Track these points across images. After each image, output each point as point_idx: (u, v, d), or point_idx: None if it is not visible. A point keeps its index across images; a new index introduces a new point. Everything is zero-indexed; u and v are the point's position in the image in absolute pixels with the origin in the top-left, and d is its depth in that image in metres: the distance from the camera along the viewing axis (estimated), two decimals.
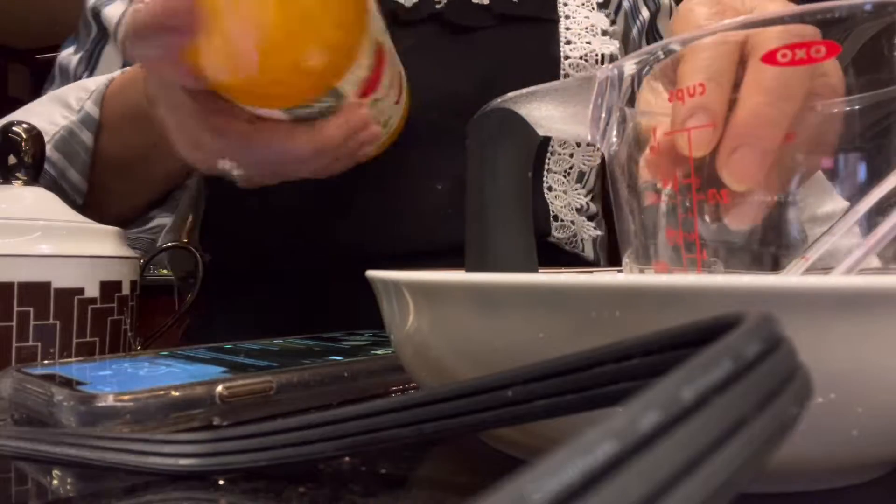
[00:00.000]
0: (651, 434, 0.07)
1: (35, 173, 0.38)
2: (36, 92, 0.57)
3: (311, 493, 0.18)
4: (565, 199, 0.55)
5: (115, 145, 0.48)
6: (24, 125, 0.38)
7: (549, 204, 0.54)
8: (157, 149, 0.46)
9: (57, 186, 0.47)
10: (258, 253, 0.54)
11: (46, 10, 3.46)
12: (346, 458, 0.21)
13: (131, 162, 0.48)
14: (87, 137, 0.47)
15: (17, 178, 0.37)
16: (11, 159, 0.37)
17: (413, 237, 0.50)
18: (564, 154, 0.54)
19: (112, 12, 0.56)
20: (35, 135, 0.38)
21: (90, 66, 0.57)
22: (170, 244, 0.46)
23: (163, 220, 0.57)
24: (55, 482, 0.20)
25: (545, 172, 0.54)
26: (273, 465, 0.18)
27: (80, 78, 0.57)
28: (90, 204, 0.49)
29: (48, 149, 0.46)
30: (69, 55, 0.58)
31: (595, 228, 0.57)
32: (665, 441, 0.07)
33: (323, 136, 0.36)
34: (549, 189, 0.54)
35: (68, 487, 0.20)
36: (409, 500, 0.18)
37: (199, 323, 0.60)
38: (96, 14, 0.57)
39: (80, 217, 0.38)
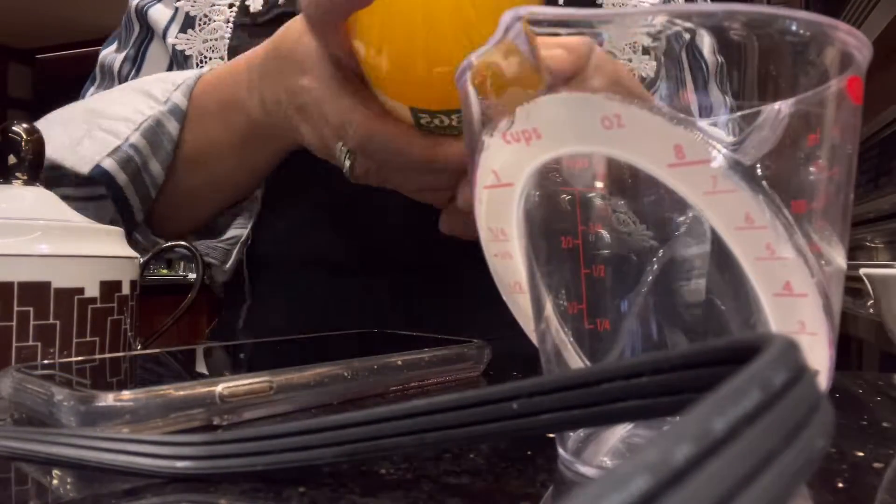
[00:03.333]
0: (684, 468, 0.07)
1: (35, 173, 0.38)
2: (36, 92, 0.58)
3: (311, 493, 0.18)
4: None
5: (196, 139, 0.47)
6: (24, 125, 0.38)
7: None
8: (236, 147, 0.46)
9: (138, 177, 0.46)
10: (300, 251, 0.53)
11: (47, 10, 3.46)
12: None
13: (207, 157, 0.48)
14: (173, 128, 0.46)
15: (17, 178, 0.37)
16: (11, 159, 0.37)
17: (463, 248, 0.50)
18: (623, 59, 0.51)
19: (158, 14, 0.56)
20: (35, 135, 0.38)
21: (136, 65, 0.57)
22: (170, 244, 0.46)
23: (237, 231, 0.56)
24: (55, 482, 0.20)
25: None
26: (270, 469, 0.18)
27: (126, 78, 0.57)
28: (161, 204, 0.48)
29: (136, 136, 0.45)
30: (112, 53, 0.58)
31: None
32: (698, 475, 0.07)
33: (441, 152, 0.35)
34: None
35: (67, 488, 0.20)
36: (409, 500, 0.18)
37: (226, 319, 0.60)
38: (141, 14, 0.57)
39: (80, 217, 0.38)
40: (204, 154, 0.48)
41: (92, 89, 0.59)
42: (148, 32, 0.57)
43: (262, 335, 0.41)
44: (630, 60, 0.51)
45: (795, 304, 0.18)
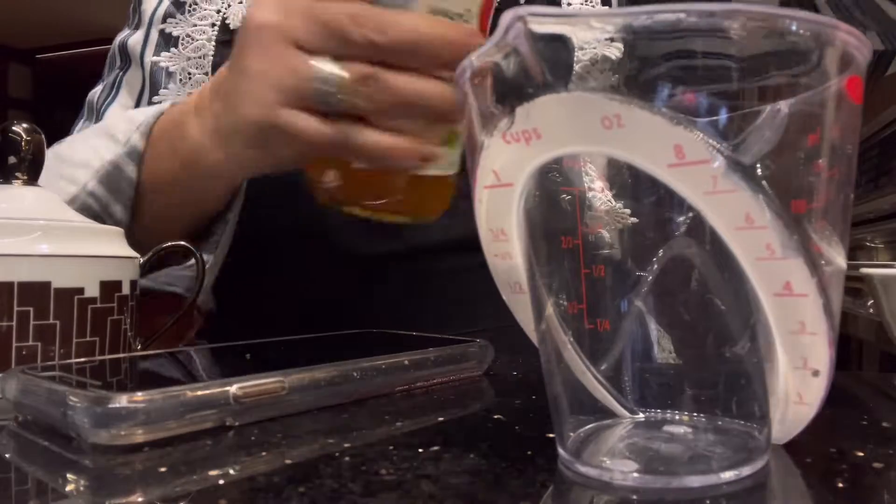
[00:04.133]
0: None
1: (35, 173, 0.38)
2: (36, 92, 0.58)
3: (310, 493, 0.18)
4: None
5: (150, 172, 0.47)
6: (24, 125, 0.38)
7: None
8: (186, 171, 0.45)
9: (100, 221, 0.46)
10: (278, 251, 0.54)
11: (47, 10, 3.46)
12: (347, 458, 0.21)
13: (161, 188, 0.47)
14: (131, 171, 0.46)
15: (17, 178, 0.37)
16: (11, 159, 0.37)
17: (430, 234, 0.50)
18: (589, 49, 0.50)
19: (134, 42, 0.58)
20: (35, 135, 0.38)
21: (112, 92, 0.59)
22: (169, 244, 0.46)
23: (205, 257, 0.56)
24: (55, 483, 0.20)
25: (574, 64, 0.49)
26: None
27: (101, 106, 0.58)
28: (132, 239, 0.48)
29: (93, 183, 0.46)
30: (95, 92, 0.60)
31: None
32: None
33: (460, 30, 0.33)
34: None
35: (68, 489, 0.20)
36: (408, 500, 0.18)
37: (215, 321, 0.60)
38: (122, 48, 0.59)
39: (80, 217, 0.38)
40: (157, 185, 0.47)
41: (80, 124, 0.60)
42: (126, 62, 0.59)
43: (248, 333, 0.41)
44: (595, 48, 0.51)
45: (795, 304, 0.18)
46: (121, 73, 0.59)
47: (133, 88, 0.58)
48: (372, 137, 0.34)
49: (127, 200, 0.47)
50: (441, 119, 0.35)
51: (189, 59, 0.55)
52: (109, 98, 0.59)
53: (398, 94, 0.33)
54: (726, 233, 0.18)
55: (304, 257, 0.53)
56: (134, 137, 0.46)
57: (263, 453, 0.22)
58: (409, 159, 0.35)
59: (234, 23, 0.54)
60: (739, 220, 0.18)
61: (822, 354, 0.19)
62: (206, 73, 0.55)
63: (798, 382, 0.20)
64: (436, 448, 0.22)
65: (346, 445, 0.23)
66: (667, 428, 0.23)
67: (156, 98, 0.56)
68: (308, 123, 0.34)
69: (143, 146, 0.46)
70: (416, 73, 0.33)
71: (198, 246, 0.54)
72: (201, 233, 0.52)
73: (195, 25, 0.55)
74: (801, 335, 0.19)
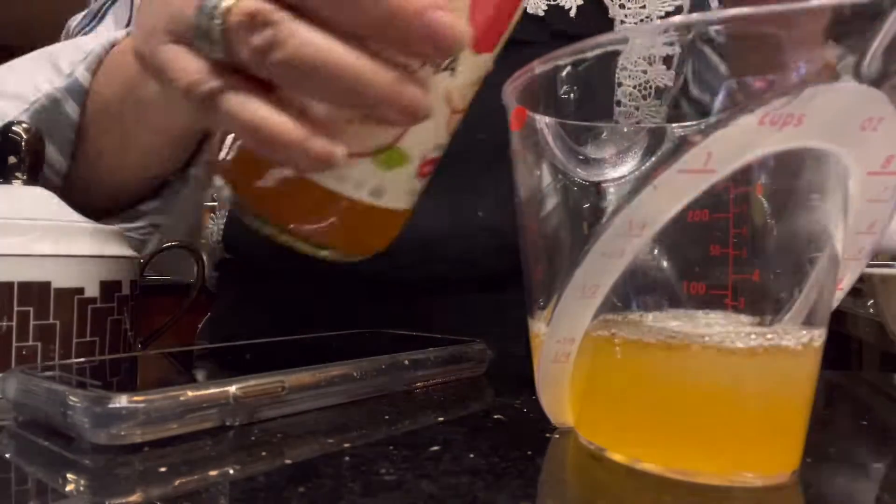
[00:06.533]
0: None
1: (35, 173, 0.38)
2: None
3: (310, 493, 0.18)
4: (636, 117, 0.49)
5: (92, 104, 0.41)
6: (24, 125, 0.38)
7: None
8: (122, 101, 0.39)
9: None
10: (280, 253, 0.53)
11: (47, 10, 3.46)
12: (346, 458, 0.21)
13: (103, 122, 0.41)
14: (71, 109, 0.39)
15: (17, 178, 0.37)
16: (11, 159, 0.37)
17: (450, 265, 0.48)
18: (637, 70, 0.49)
19: None
20: (35, 134, 0.38)
21: (93, 22, 0.51)
22: (170, 244, 0.46)
23: (156, 219, 0.50)
24: (55, 484, 0.20)
25: (615, 86, 0.49)
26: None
27: (77, 34, 0.51)
28: (72, 187, 0.42)
29: (24, 118, 0.39)
30: (75, 18, 0.53)
31: None
32: None
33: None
34: (618, 103, 0.48)
35: (68, 490, 0.20)
36: (408, 500, 0.18)
37: (216, 319, 0.60)
38: None
39: (79, 217, 0.38)
40: (99, 122, 0.41)
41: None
42: None
43: (245, 333, 0.40)
44: (645, 72, 0.51)
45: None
46: (107, 5, 0.51)
47: (120, 21, 0.50)
48: (250, 106, 0.22)
49: (65, 143, 0.40)
50: (373, 115, 0.23)
51: None
52: (89, 27, 0.51)
53: (299, 56, 0.21)
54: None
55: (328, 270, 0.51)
56: (79, 70, 0.39)
57: (263, 453, 0.22)
58: (295, 152, 0.22)
59: None
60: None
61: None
62: None
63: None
64: (436, 448, 0.22)
65: (346, 445, 0.23)
66: None
67: None
68: (182, 66, 0.23)
69: (87, 81, 0.39)
70: (357, 45, 0.22)
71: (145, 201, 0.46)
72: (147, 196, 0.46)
73: None
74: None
